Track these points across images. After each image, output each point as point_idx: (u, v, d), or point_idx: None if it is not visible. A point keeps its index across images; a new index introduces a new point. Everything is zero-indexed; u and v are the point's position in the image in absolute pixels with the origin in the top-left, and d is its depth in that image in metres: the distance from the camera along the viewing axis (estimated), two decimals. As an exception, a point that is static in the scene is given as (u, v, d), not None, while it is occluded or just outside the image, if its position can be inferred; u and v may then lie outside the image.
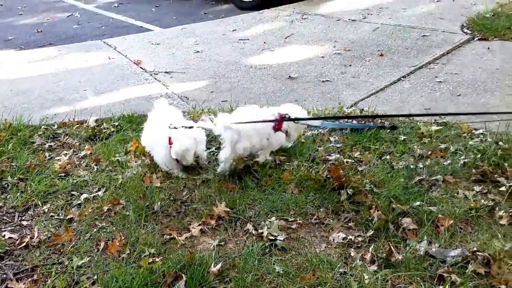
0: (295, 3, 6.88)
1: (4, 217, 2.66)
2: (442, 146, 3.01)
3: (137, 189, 2.74)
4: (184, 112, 3.70)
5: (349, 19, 5.91)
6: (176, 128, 2.80)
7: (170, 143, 2.79)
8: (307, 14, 6.29)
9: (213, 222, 2.50)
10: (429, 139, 3.10)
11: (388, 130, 3.15)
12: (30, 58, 5.37)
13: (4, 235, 2.48)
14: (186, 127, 2.81)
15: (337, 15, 6.14)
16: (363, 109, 3.57)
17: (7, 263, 2.29)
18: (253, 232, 2.41)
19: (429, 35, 5.05)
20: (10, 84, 4.55)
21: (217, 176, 2.86)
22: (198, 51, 5.21)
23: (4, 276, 2.20)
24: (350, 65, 4.52)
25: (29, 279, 2.18)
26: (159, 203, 2.62)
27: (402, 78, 4.12)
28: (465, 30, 5.07)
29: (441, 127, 3.19)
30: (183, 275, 2.11)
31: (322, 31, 5.54)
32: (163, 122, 2.86)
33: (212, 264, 2.17)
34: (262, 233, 2.38)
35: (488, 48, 4.61)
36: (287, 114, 2.88)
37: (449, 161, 2.85)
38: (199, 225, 2.48)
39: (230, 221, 2.50)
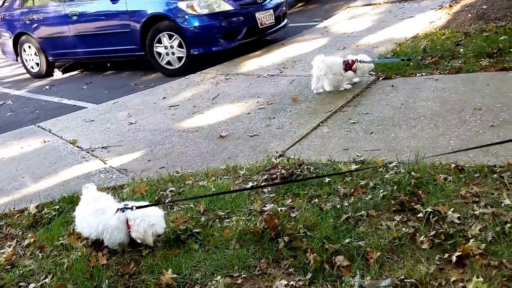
0: (218, 66, 7.26)
1: None
2: (363, 182, 3.29)
3: (83, 271, 2.80)
4: (124, 185, 3.85)
5: (268, 75, 6.33)
6: (131, 208, 2.89)
7: (129, 226, 2.88)
8: (230, 75, 6.66)
9: (162, 291, 2.61)
10: (350, 177, 3.39)
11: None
12: (-35, 154, 5.33)
13: None
14: (139, 207, 2.91)
15: (257, 72, 6.56)
16: (289, 158, 3.84)
17: None
18: (201, 293, 2.54)
19: (340, 80, 5.50)
20: None
21: (160, 243, 2.99)
22: (131, 123, 5.39)
23: None
24: (274, 118, 4.84)
25: None
26: (106, 281, 2.69)
27: (320, 124, 4.47)
28: (371, 72, 5.51)
29: (359, 165, 3.51)
30: None
31: (245, 89, 5.89)
32: (100, 207, 2.97)
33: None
34: (209, 293, 2.52)
35: (392, 86, 5.08)
36: (357, 59, 5.10)
37: (370, 196, 3.13)
38: (148, 296, 2.58)
39: (178, 287, 2.62)
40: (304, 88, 5.49)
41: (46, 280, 2.82)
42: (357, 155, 3.71)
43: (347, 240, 2.72)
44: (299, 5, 12.48)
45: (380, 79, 5.38)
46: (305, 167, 3.65)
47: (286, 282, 2.52)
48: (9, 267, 3.01)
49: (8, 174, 4.52)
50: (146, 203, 3.10)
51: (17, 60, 9.94)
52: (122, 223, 2.90)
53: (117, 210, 2.88)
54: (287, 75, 6.12)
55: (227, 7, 7.34)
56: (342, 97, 5.00)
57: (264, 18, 7.71)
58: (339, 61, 5.11)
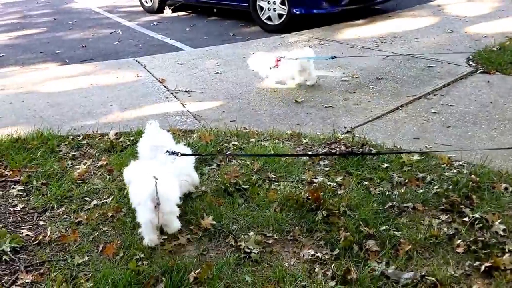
0: (315, 29, 7.19)
1: (25, 217, 3.05)
2: (420, 175, 3.23)
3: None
4: (194, 130, 4.08)
5: (362, 47, 6.18)
6: (176, 154, 3.01)
7: None
8: (324, 40, 6.60)
9: (200, 233, 2.82)
10: (409, 168, 3.33)
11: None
12: (70, 73, 5.94)
13: (22, 232, 2.87)
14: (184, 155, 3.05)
15: (353, 42, 6.42)
16: (354, 136, 3.83)
17: (21, 257, 2.67)
18: (233, 244, 2.71)
19: (435, 66, 5.25)
20: (49, 97, 5.07)
21: (210, 190, 3.20)
22: (217, 72, 5.60)
23: (17, 268, 2.59)
24: (355, 92, 4.79)
25: (37, 272, 2.55)
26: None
27: (400, 107, 4.36)
28: (470, 63, 5.24)
29: (422, 157, 3.41)
30: (164, 278, 2.44)
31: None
32: (156, 143, 3.17)
33: (192, 271, 2.48)
34: (240, 245, 2.68)
35: (488, 82, 4.77)
36: (283, 56, 4.90)
37: (422, 190, 3.07)
38: (187, 234, 2.80)
39: (214, 233, 2.81)
40: (396, 67, 5.32)
41: (107, 200, 3.15)
42: (426, 147, 3.61)
43: (384, 227, 2.74)
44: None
45: (478, 72, 5.06)
46: (367, 148, 3.63)
47: (313, 252, 2.63)
48: (80, 182, 3.39)
49: (100, 99, 4.97)
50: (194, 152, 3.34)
51: (134, -8, 10.54)
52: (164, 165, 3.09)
53: (166, 152, 3.08)
54: (382, 50, 5.94)
55: (337, -31, 7.18)
56: (431, 84, 4.80)
57: (375, -15, 7.43)
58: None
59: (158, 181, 2.57)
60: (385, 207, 2.93)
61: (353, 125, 4.09)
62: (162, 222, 2.68)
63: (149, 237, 2.70)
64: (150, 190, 2.57)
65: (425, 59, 5.47)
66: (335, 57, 4.98)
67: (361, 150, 3.60)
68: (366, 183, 3.19)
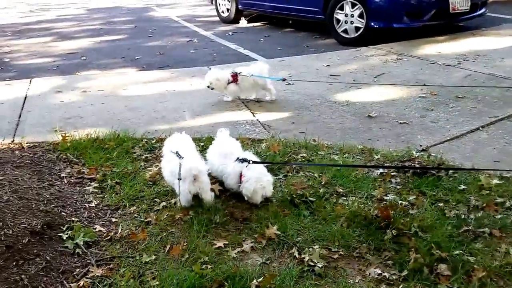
0: (393, 43, 7.04)
1: (99, 213, 3.17)
2: (499, 200, 3.04)
3: (205, 204, 3.13)
4: (263, 140, 4.09)
5: (443, 64, 5.95)
6: (247, 162, 3.10)
7: (241, 180, 3.12)
8: (402, 55, 6.43)
9: (264, 241, 2.80)
10: (488, 191, 3.14)
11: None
12: (147, 78, 6.19)
13: (96, 228, 2.98)
14: (255, 162, 3.10)
15: (433, 58, 6.21)
16: (430, 155, 3.66)
17: (93, 251, 2.77)
18: (296, 256, 2.67)
19: (520, 87, 4.95)
20: (127, 101, 5.30)
21: (275, 200, 3.17)
22: (289, 83, 5.59)
23: (88, 261, 2.69)
24: (432, 110, 4.60)
25: (107, 267, 2.63)
26: (219, 216, 2.99)
27: (480, 128, 4.13)
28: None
29: (502, 181, 3.21)
30: (227, 284, 2.44)
31: (412, 73, 5.64)
32: (226, 151, 3.24)
33: (254, 279, 2.46)
34: (304, 258, 2.64)
35: None
36: (240, 72, 4.96)
37: (500, 216, 2.88)
38: (251, 242, 2.79)
39: (278, 243, 2.78)
40: (477, 87, 5.08)
41: (177, 204, 3.18)
42: (507, 170, 3.38)
43: (457, 252, 2.59)
44: (509, -6, 11.21)
45: None
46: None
47: (380, 271, 2.53)
48: (151, 183, 3.49)
49: (173, 105, 5.12)
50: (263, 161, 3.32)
51: (211, 3, 10.98)
52: (235, 173, 3.14)
53: (236, 159, 3.10)
54: (464, 68, 5.69)
55: (421, -16, 7.00)
56: (516, 105, 4.53)
57: (458, 3, 7.17)
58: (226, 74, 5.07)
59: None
60: (460, 231, 2.78)
61: (429, 143, 3.93)
62: (199, 191, 3.07)
63: (186, 199, 3.08)
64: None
65: (510, 80, 5.18)
66: (285, 79, 5.14)
67: (436, 170, 3.44)
68: (440, 204, 3.04)
